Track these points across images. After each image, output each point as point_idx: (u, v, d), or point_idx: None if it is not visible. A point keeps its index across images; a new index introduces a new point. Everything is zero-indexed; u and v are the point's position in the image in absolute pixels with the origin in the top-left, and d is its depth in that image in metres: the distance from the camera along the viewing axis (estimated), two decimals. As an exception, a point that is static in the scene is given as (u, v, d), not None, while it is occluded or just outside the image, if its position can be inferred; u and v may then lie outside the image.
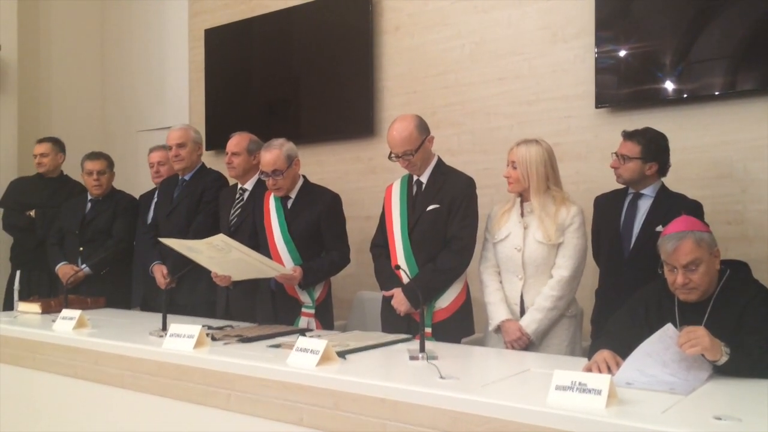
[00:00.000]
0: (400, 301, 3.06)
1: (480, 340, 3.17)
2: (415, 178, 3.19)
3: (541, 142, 2.99)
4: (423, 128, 3.13)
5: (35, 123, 5.92)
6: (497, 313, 2.97)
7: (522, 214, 3.00)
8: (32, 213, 4.65)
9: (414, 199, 3.17)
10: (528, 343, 2.91)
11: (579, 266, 2.94)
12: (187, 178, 4.07)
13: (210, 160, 5.33)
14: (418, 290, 2.68)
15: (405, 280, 3.07)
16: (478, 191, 3.20)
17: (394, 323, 3.10)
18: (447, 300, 3.09)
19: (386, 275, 3.18)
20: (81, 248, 4.33)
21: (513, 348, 2.90)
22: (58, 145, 4.82)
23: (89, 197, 4.47)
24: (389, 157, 3.15)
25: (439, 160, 3.21)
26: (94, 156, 4.44)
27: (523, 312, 2.95)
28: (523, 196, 3.02)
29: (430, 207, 3.09)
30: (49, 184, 4.78)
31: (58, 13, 6.19)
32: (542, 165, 2.93)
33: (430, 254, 3.08)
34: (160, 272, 3.90)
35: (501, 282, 3.04)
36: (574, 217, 2.93)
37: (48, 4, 6.12)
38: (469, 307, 3.18)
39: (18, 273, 3.95)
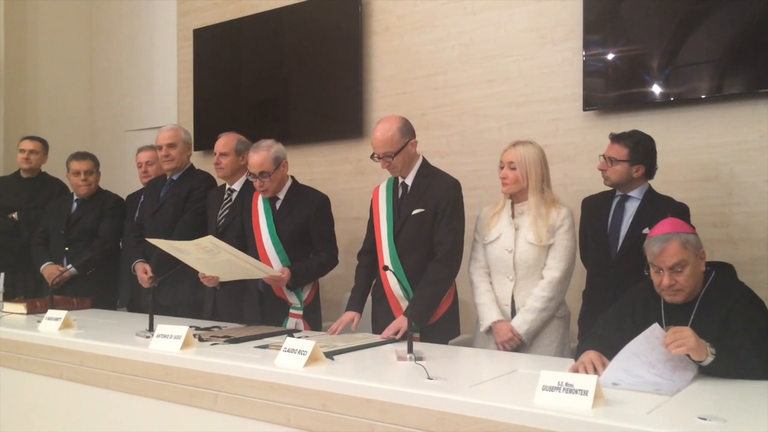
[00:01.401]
0: (402, 323, 2.89)
1: (467, 341, 3.17)
2: (400, 180, 3.17)
3: (535, 143, 3.01)
4: (407, 131, 3.08)
5: (22, 122, 5.88)
6: (488, 314, 2.97)
7: (513, 216, 3.01)
8: (15, 215, 4.61)
9: (399, 203, 3.15)
10: (519, 344, 2.91)
11: (569, 267, 2.96)
12: (175, 178, 4.06)
13: (198, 160, 5.31)
14: (421, 311, 2.73)
15: (393, 281, 3.06)
16: (467, 193, 3.20)
17: (384, 325, 3.08)
18: None
19: (354, 292, 3.20)
20: (66, 248, 4.31)
21: (504, 348, 2.90)
22: (45, 146, 4.80)
23: (75, 197, 4.44)
24: (371, 157, 3.14)
25: (424, 162, 3.18)
26: (80, 156, 4.41)
27: (514, 313, 2.96)
28: (515, 198, 3.02)
29: (415, 211, 3.07)
30: (28, 185, 4.74)
31: (46, 11, 6.15)
32: (539, 165, 2.95)
33: (416, 259, 3.06)
34: (142, 269, 3.88)
35: (491, 283, 3.05)
36: (564, 219, 2.95)
37: (36, 3, 6.08)
38: (455, 310, 3.18)
39: (2, 276, 3.92)
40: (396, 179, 3.20)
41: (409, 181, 3.14)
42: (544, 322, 2.93)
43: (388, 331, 2.89)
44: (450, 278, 3.07)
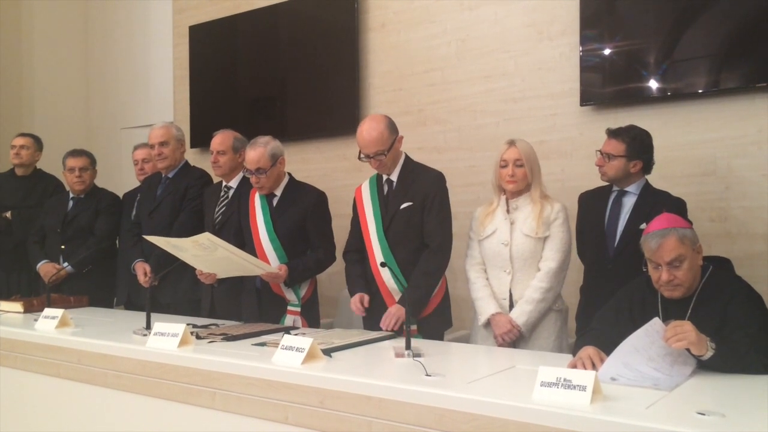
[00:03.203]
0: (399, 311, 2.93)
1: (465, 337, 3.18)
2: (385, 177, 3.18)
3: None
4: (393, 128, 3.11)
5: (17, 120, 5.87)
6: (486, 307, 2.98)
7: (508, 211, 3.02)
8: (8, 215, 4.60)
9: (386, 198, 3.16)
10: (518, 336, 2.92)
11: (565, 259, 2.99)
12: (170, 176, 4.04)
13: (195, 158, 5.31)
14: (416, 300, 2.69)
15: (389, 278, 3.06)
16: (464, 189, 3.21)
17: (377, 323, 3.07)
18: None
19: (354, 280, 3.18)
20: (63, 246, 4.30)
21: (503, 341, 2.91)
22: (38, 142, 4.78)
23: (71, 195, 4.43)
24: (359, 158, 3.13)
25: (407, 158, 3.20)
26: (76, 153, 4.41)
27: (512, 307, 2.97)
28: (509, 194, 3.03)
29: (404, 205, 3.09)
30: (23, 183, 4.72)
31: (41, 9, 6.13)
32: (537, 159, 3.00)
33: (408, 251, 3.08)
34: (142, 270, 3.87)
35: (487, 279, 3.05)
36: (558, 213, 2.99)
37: (31, 1, 6.06)
38: (447, 301, 3.20)
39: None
40: (379, 177, 3.20)
41: (394, 177, 3.16)
42: (542, 313, 2.94)
43: (388, 321, 2.89)
44: (442, 268, 3.09)
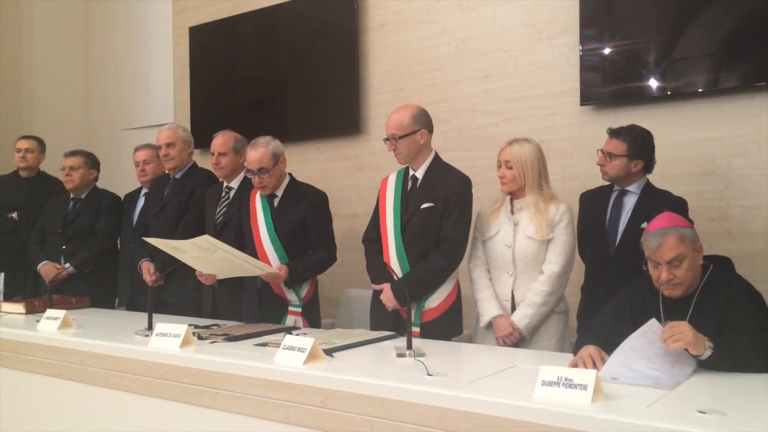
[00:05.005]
0: (389, 297, 3.05)
1: (468, 337, 3.18)
2: (411, 172, 3.18)
3: (531, 140, 3.02)
4: (419, 120, 3.11)
5: (17, 122, 5.87)
6: (488, 309, 2.98)
7: (512, 212, 3.02)
8: (15, 215, 4.61)
9: (408, 196, 3.15)
10: (519, 339, 2.92)
11: (569, 262, 2.97)
12: (177, 177, 4.05)
13: (195, 158, 5.31)
14: (405, 288, 2.67)
15: (394, 277, 3.07)
16: (464, 189, 3.19)
17: (382, 320, 3.09)
18: (437, 300, 3.08)
19: (378, 270, 3.16)
20: (63, 247, 4.31)
21: (504, 343, 2.91)
22: (42, 144, 4.81)
23: (71, 196, 4.45)
24: (384, 140, 3.18)
25: (436, 157, 3.18)
26: (71, 153, 4.45)
27: (514, 308, 2.97)
28: (514, 195, 3.03)
29: (424, 205, 3.08)
30: (27, 184, 4.74)
31: (41, 10, 6.13)
32: (536, 163, 2.97)
33: (422, 252, 3.07)
34: (147, 269, 3.87)
35: (491, 279, 3.05)
36: (563, 215, 2.96)
37: (30, 2, 6.07)
38: (458, 308, 3.17)
39: (2, 276, 3.92)
40: (407, 171, 3.20)
41: (419, 174, 3.16)
42: (543, 316, 2.93)
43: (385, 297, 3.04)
44: (448, 269, 3.07)
